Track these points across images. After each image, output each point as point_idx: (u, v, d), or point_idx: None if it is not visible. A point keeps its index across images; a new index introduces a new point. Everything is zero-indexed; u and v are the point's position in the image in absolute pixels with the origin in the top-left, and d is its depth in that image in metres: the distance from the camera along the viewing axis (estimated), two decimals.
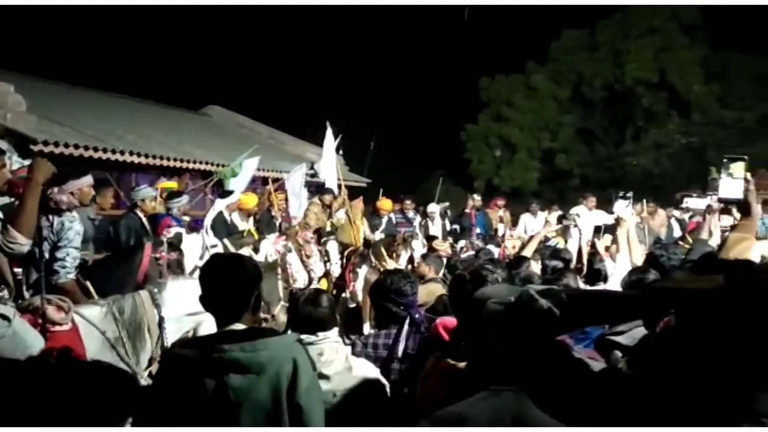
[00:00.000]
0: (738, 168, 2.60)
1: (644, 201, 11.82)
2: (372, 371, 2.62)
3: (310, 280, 5.63)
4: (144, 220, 5.70)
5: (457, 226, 11.10)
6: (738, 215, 2.86)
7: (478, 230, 10.65)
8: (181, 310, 3.62)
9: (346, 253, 7.44)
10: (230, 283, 2.06)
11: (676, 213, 11.06)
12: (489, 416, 1.49)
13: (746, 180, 2.65)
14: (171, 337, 3.56)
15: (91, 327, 3.25)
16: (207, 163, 10.10)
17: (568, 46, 21.18)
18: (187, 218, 7.49)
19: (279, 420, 1.91)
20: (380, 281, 3.10)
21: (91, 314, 3.32)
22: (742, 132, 18.85)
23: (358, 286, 6.52)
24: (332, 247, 7.21)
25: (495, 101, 22.04)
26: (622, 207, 4.35)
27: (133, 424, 1.67)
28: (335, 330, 2.74)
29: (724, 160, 2.68)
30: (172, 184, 8.08)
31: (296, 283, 5.25)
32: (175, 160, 9.64)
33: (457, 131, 22.61)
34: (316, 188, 10.22)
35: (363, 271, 6.79)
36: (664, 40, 19.41)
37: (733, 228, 2.79)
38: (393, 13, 22.18)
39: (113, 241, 5.61)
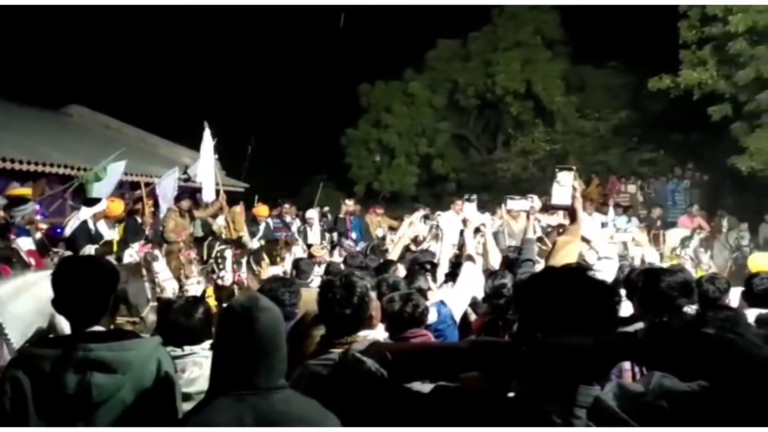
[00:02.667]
0: (566, 177, 2.81)
1: (534, 202, 12.48)
2: None
3: (181, 290, 5.37)
4: None
5: (335, 233, 11.13)
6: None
7: (353, 235, 10.73)
8: (26, 307, 3.38)
9: None
10: (86, 286, 2.00)
11: (541, 216, 11.79)
12: (231, 421, 1.56)
13: (573, 188, 2.82)
14: (19, 338, 3.34)
15: None
16: (67, 167, 9.38)
17: (443, 55, 21.95)
18: (44, 226, 6.90)
19: (141, 419, 1.91)
20: (259, 289, 3.01)
21: None
22: (598, 140, 20.50)
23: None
24: (228, 254, 7.01)
25: (374, 107, 22.37)
26: (471, 210, 4.53)
27: None
28: (207, 343, 2.62)
29: (556, 169, 2.87)
30: (26, 190, 7.39)
31: (164, 292, 4.98)
32: (29, 163, 8.87)
33: (337, 136, 22.70)
34: (191, 193, 9.80)
35: (244, 278, 6.66)
36: (529, 53, 20.66)
37: (562, 232, 3.02)
38: (273, 15, 21.85)
39: None
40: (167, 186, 8.87)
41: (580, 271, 1.61)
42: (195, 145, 10.14)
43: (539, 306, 1.58)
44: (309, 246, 8.89)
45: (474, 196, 4.72)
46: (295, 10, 20.03)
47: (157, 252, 5.38)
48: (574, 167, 2.90)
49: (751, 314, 3.54)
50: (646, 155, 19.20)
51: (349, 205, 11.80)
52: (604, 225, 12.73)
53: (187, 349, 2.58)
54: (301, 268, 5.33)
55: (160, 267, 5.10)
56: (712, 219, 14.46)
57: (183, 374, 2.46)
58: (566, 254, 2.68)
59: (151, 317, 4.61)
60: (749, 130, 14.09)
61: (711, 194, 17.14)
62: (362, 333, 2.30)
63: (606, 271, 4.70)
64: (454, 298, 4.21)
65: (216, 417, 1.60)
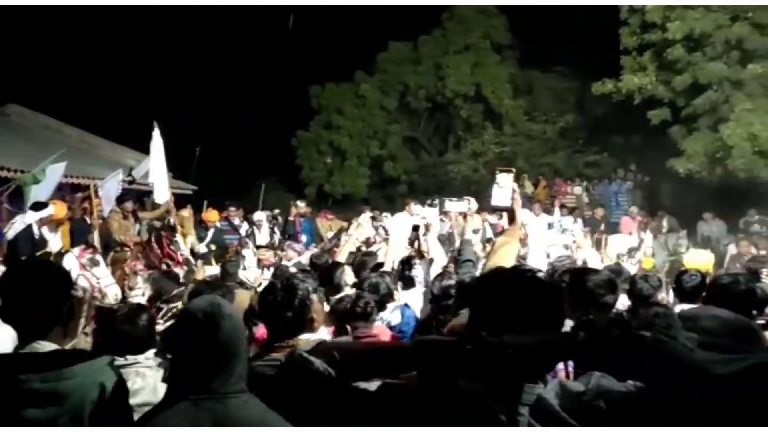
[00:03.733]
0: (505, 179, 2.86)
1: (471, 204, 12.63)
2: None
3: (124, 299, 5.21)
4: None
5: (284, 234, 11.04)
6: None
7: (304, 237, 10.67)
8: None
9: None
10: (37, 292, 1.83)
11: (490, 217, 11.99)
12: (187, 425, 1.56)
13: (513, 190, 2.86)
14: None
15: None
16: (3, 169, 9.00)
17: (395, 58, 22.06)
18: None
19: None
20: (194, 291, 2.97)
21: None
22: (546, 143, 20.97)
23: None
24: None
25: (325, 109, 22.30)
26: (432, 214, 4.58)
27: None
28: (151, 353, 2.56)
29: (496, 171, 2.93)
30: None
31: (106, 298, 4.83)
32: None
33: (288, 138, 22.52)
34: (137, 196, 9.55)
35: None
36: (479, 57, 21.00)
37: (501, 233, 3.08)
38: (221, 14, 21.51)
39: None
40: (110, 188, 8.60)
41: (527, 271, 1.64)
42: (139, 146, 9.90)
43: (486, 305, 1.60)
44: (258, 248, 8.81)
45: (436, 201, 4.77)
46: (245, 10, 19.77)
47: (98, 257, 5.21)
48: (514, 169, 2.95)
49: (681, 310, 3.68)
50: (590, 157, 19.75)
51: (300, 207, 11.72)
52: (550, 225, 13.07)
53: (131, 358, 2.51)
54: (227, 270, 5.30)
55: (102, 272, 4.95)
56: (652, 219, 15.02)
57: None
58: (504, 255, 2.73)
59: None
60: (686, 134, 14.66)
61: (652, 195, 17.78)
62: (303, 336, 2.29)
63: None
64: (418, 300, 4.27)
65: (172, 421, 1.58)
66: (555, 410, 1.47)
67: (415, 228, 5.12)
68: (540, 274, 1.69)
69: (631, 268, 9.28)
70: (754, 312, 3.37)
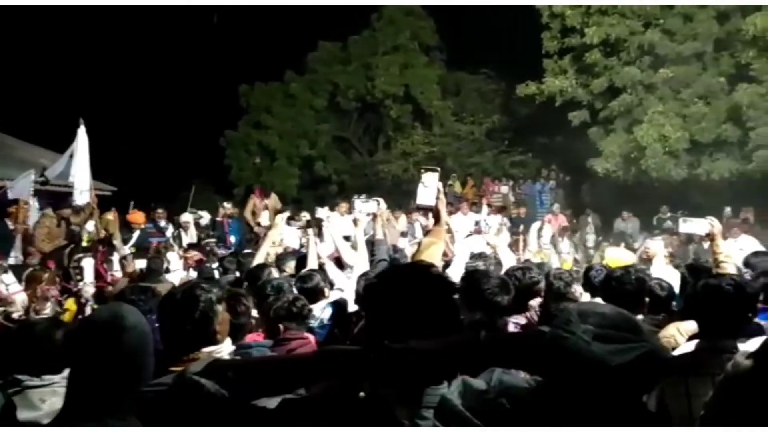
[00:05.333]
0: (431, 178, 2.88)
1: (380, 204, 12.76)
2: None
3: (30, 306, 4.92)
4: None
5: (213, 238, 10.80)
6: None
7: (232, 239, 10.49)
8: None
9: None
10: None
11: (422, 218, 12.17)
12: None
13: (438, 189, 2.88)
14: None
15: None
16: None
17: (324, 57, 21.97)
18: None
19: None
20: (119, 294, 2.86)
21: None
22: (473, 143, 21.42)
23: None
24: (87, 263, 6.56)
25: (254, 108, 21.97)
26: (372, 208, 4.55)
27: None
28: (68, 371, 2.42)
29: (421, 170, 2.96)
30: None
31: (13, 305, 4.58)
32: None
33: (216, 138, 22.04)
34: (51, 197, 9.10)
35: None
36: (407, 58, 21.21)
37: (427, 233, 3.11)
38: (148, 12, 20.76)
39: None
40: (21, 188, 8.17)
41: (422, 270, 1.65)
42: (56, 146, 9.41)
43: (382, 310, 1.58)
44: (185, 250, 8.59)
45: (364, 196, 4.74)
46: (173, 8, 19.15)
47: (6, 264, 4.93)
48: (439, 169, 2.98)
49: (566, 306, 3.85)
50: (516, 158, 20.34)
51: (227, 208, 11.51)
52: (477, 224, 13.40)
53: (47, 378, 2.36)
54: (151, 268, 5.17)
55: (10, 279, 4.69)
56: (574, 218, 15.66)
57: (44, 404, 2.27)
58: (429, 255, 2.72)
59: None
60: (604, 135, 15.33)
61: (573, 194, 18.52)
62: (207, 349, 2.16)
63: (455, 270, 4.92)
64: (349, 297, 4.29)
65: None
66: (459, 410, 1.47)
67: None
68: (434, 271, 1.69)
69: (554, 258, 9.64)
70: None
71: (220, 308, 2.25)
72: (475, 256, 4.61)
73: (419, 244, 3.09)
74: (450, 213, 14.43)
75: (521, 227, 13.63)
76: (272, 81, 21.97)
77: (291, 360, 2.20)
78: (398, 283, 1.64)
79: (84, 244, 7.23)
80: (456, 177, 19.63)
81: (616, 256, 6.35)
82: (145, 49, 22.26)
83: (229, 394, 1.47)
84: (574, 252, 12.41)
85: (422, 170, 2.98)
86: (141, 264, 7.04)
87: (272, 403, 1.57)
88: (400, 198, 17.91)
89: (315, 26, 21.01)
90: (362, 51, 21.58)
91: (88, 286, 6.20)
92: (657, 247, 5.30)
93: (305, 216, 8.37)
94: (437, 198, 2.89)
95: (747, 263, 4.69)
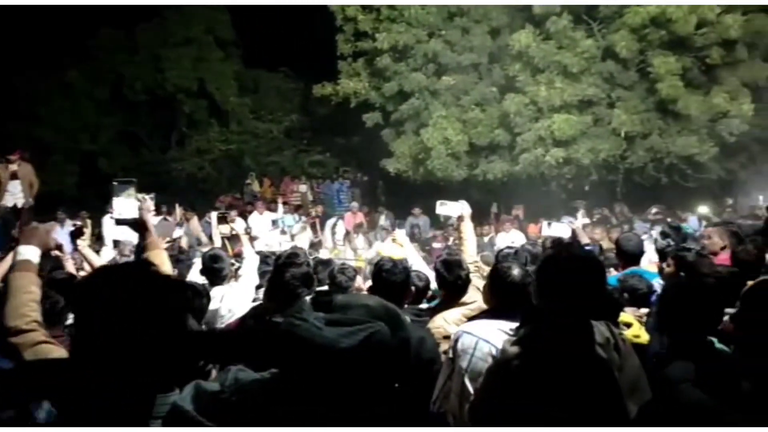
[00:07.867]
0: (126, 189, 2.78)
1: (176, 206, 12.20)
2: None
3: None
4: None
5: None
6: None
7: None
8: None
9: None
10: None
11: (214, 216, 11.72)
12: None
13: (138, 199, 2.77)
14: None
15: None
16: None
17: (107, 44, 20.17)
18: None
19: None
20: None
21: None
22: (272, 142, 21.27)
23: None
24: None
25: (25, 98, 19.45)
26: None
27: None
28: None
29: (114, 183, 2.82)
30: None
31: None
32: None
33: None
34: None
35: None
36: (201, 51, 20.32)
37: (142, 250, 2.88)
38: None
39: None
40: None
41: (136, 267, 1.59)
42: None
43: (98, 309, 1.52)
44: None
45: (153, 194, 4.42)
46: None
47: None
48: (135, 179, 2.84)
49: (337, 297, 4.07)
50: (315, 157, 20.61)
51: None
52: (274, 222, 13.32)
53: None
54: None
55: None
56: (370, 215, 16.27)
57: None
58: (161, 263, 2.59)
59: None
60: (395, 136, 16.12)
61: (369, 193, 19.27)
62: None
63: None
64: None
65: None
66: (191, 416, 1.42)
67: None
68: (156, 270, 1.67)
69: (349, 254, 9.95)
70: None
71: None
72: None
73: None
74: (248, 213, 14.16)
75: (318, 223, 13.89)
76: (47, 68, 19.60)
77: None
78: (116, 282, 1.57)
79: None
80: (254, 176, 19.34)
81: (389, 252, 6.73)
82: None
83: None
84: (368, 248, 12.88)
85: (114, 182, 2.85)
86: None
87: None
88: (194, 197, 17.14)
89: (97, 9, 19.12)
90: (151, 40, 20.18)
91: None
92: (402, 236, 6.02)
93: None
94: (140, 209, 2.78)
95: (507, 255, 5.20)
